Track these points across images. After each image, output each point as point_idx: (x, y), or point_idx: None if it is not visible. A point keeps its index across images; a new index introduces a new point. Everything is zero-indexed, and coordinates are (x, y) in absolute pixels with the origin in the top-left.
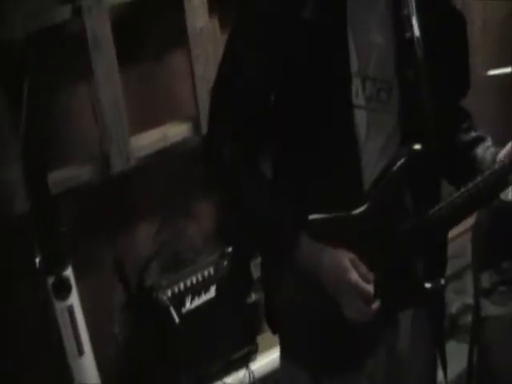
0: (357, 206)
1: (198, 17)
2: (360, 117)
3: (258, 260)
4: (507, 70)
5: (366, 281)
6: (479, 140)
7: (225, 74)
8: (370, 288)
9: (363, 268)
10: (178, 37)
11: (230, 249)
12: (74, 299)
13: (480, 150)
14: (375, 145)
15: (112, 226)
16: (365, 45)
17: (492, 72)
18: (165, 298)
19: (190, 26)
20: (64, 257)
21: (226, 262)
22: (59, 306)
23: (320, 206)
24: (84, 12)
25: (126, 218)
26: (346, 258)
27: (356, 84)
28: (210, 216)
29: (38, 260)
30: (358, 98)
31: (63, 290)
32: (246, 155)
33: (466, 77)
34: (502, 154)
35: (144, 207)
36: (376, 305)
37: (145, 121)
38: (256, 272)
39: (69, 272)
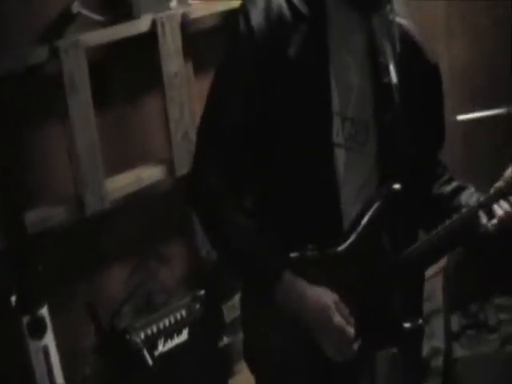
0: (336, 244)
1: (173, 61)
2: (339, 155)
3: (231, 303)
4: (476, 114)
5: (349, 323)
6: (462, 188)
7: (210, 112)
8: (352, 330)
9: (346, 311)
10: (153, 80)
11: (202, 292)
12: (49, 339)
13: (464, 197)
14: (354, 184)
15: (86, 267)
16: (345, 86)
17: (461, 117)
18: (138, 340)
19: (164, 70)
20: (40, 296)
21: (198, 305)
22: (34, 346)
23: (300, 241)
24: (61, 53)
25: (99, 259)
26: (330, 299)
27: (336, 123)
28: (182, 259)
29: (13, 299)
30: (338, 137)
31: (38, 329)
32: (230, 191)
33: (442, 127)
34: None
35: (117, 249)
36: (356, 345)
37: (119, 163)
38: (228, 315)
39: (44, 311)
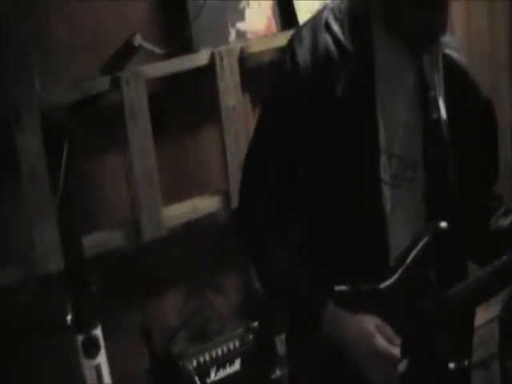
0: (382, 279)
1: (231, 95)
2: (386, 192)
3: (284, 335)
4: None
5: (392, 343)
6: None
7: (254, 148)
8: (397, 350)
9: (389, 331)
10: (211, 112)
11: (256, 323)
12: (102, 358)
13: None
14: (401, 220)
15: (141, 291)
16: (392, 122)
17: None
18: (190, 367)
19: (223, 103)
20: (94, 317)
21: (251, 336)
22: (87, 365)
23: (346, 275)
24: (122, 83)
25: (155, 285)
26: (371, 323)
27: (383, 160)
28: (237, 290)
29: (68, 318)
30: (385, 174)
31: (92, 348)
32: (276, 224)
33: (495, 163)
34: None
35: (173, 276)
36: (403, 366)
37: (177, 192)
38: (281, 348)
39: (98, 331)
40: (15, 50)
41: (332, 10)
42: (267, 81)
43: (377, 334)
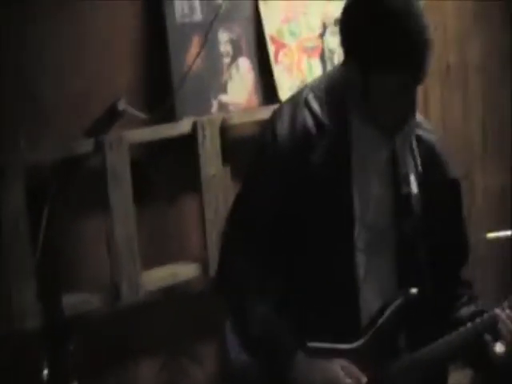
0: (353, 339)
1: (212, 164)
2: (360, 258)
3: None
4: (506, 233)
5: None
6: (479, 314)
7: (237, 214)
8: None
9: (355, 370)
10: (192, 181)
11: None
12: None
13: None
14: (373, 285)
15: (116, 356)
16: (365, 195)
17: (491, 235)
18: None
19: (203, 172)
20: (71, 375)
21: None
22: None
23: (319, 332)
24: (106, 147)
25: (130, 350)
26: (336, 364)
27: (357, 229)
28: (213, 358)
29: (45, 373)
30: (359, 242)
31: None
32: (253, 284)
33: (463, 242)
34: None
35: (148, 342)
36: None
37: (155, 257)
38: None
39: None
40: (1, 110)
41: (311, 88)
42: (247, 153)
43: (341, 373)
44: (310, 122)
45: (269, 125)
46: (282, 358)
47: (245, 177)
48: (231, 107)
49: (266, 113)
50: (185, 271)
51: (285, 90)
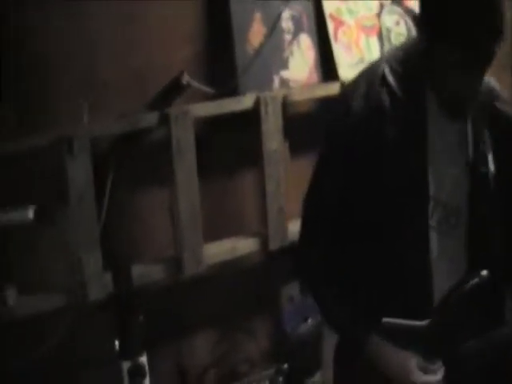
0: (424, 318)
1: (274, 139)
2: (433, 237)
3: (313, 379)
4: None
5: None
6: None
7: (310, 192)
8: None
9: (431, 369)
10: (253, 155)
11: (286, 365)
12: None
13: None
14: (445, 265)
15: (173, 328)
16: (440, 172)
17: None
18: None
19: (264, 147)
20: (140, 344)
21: (281, 378)
22: None
23: (391, 312)
24: (171, 120)
25: (190, 322)
26: (412, 360)
27: (431, 207)
28: (268, 332)
29: (116, 343)
30: (432, 220)
31: (138, 375)
32: (326, 263)
33: None
34: None
35: (207, 315)
36: None
37: (216, 231)
38: None
39: (144, 359)
40: (66, 85)
41: (388, 61)
42: (306, 130)
43: (416, 370)
44: (385, 97)
45: (342, 98)
46: (358, 338)
47: (319, 154)
48: (292, 83)
49: (325, 89)
50: (244, 245)
51: (344, 67)
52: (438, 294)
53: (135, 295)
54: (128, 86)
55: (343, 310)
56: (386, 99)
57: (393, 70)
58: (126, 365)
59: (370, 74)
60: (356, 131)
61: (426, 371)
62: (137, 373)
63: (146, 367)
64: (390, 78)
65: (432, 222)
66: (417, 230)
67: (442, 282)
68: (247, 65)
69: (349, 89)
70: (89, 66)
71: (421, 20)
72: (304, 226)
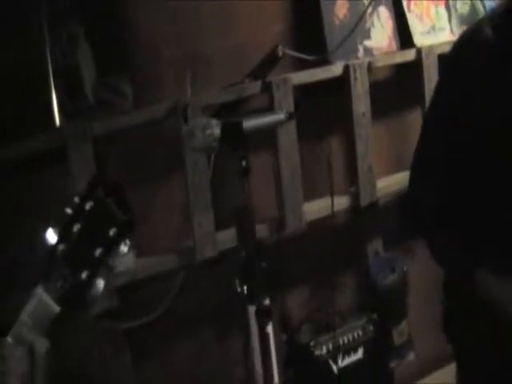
0: None
1: (361, 103)
2: None
3: (399, 328)
4: None
5: None
6: None
7: (420, 145)
8: None
9: None
10: (341, 118)
11: (375, 315)
12: (270, 330)
13: None
14: None
15: (279, 282)
16: None
17: None
18: (323, 352)
19: (354, 110)
20: (265, 289)
21: (372, 327)
22: (258, 333)
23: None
24: (273, 87)
25: (287, 277)
26: None
27: None
28: (356, 285)
29: (244, 288)
30: None
31: (264, 317)
32: (441, 213)
33: None
34: None
35: (304, 270)
36: None
37: (310, 190)
38: (397, 339)
39: (268, 302)
40: (174, 62)
41: (488, 17)
42: (384, 94)
43: None
44: (489, 32)
45: (458, 48)
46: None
47: (428, 107)
48: (374, 51)
49: (403, 56)
50: (338, 202)
51: (417, 35)
52: None
53: (258, 245)
54: (227, 60)
55: (456, 251)
56: (490, 34)
57: (494, 20)
58: (252, 308)
59: (472, 25)
60: (463, 68)
61: None
62: (262, 315)
63: (271, 310)
64: (495, 22)
65: None
66: None
67: None
68: (334, 35)
69: (461, 42)
70: (193, 44)
71: None
72: (416, 171)
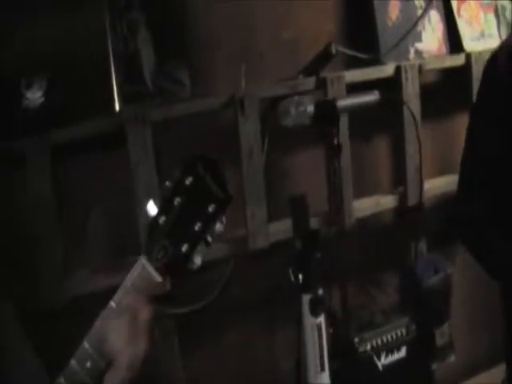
0: None
1: (413, 104)
2: None
3: (441, 329)
4: None
5: None
6: None
7: (468, 148)
8: None
9: None
10: (392, 118)
11: (418, 315)
12: (322, 319)
13: None
14: None
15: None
16: None
17: None
18: (368, 348)
19: (405, 111)
20: (319, 279)
21: (414, 326)
22: (311, 322)
23: None
24: (328, 83)
25: (339, 272)
26: None
27: None
28: (399, 285)
29: (300, 277)
30: None
31: (318, 307)
32: (489, 218)
33: None
34: None
35: (349, 267)
36: None
37: (359, 189)
38: (440, 339)
39: (321, 292)
40: (230, 56)
41: None
42: (434, 97)
43: None
44: None
45: (500, 55)
46: None
47: (472, 110)
48: (425, 54)
49: (453, 60)
50: (385, 201)
51: (467, 40)
52: None
53: (314, 235)
54: (279, 56)
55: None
56: None
57: None
58: (306, 297)
59: None
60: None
61: None
62: (316, 304)
63: (324, 300)
64: None
65: None
66: None
67: None
68: (386, 36)
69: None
70: (247, 39)
71: None
72: (464, 173)
